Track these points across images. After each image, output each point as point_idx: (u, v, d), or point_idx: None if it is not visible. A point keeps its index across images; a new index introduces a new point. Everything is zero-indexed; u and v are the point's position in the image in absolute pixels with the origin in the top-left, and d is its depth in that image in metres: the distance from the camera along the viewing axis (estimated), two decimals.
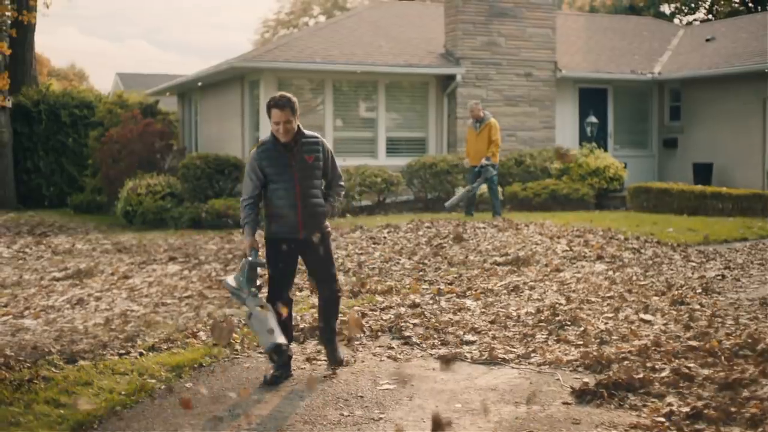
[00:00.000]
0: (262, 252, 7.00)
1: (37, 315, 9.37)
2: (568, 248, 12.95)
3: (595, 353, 7.27)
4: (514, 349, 7.65)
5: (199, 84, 24.41)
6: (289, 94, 6.85)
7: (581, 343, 7.77)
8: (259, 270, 6.76)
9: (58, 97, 27.28)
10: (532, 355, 7.49)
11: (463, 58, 21.74)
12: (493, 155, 16.91)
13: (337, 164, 7.22)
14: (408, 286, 10.56)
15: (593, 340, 7.84)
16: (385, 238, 14.58)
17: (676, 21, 40.28)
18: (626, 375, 6.53)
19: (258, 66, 20.35)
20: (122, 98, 25.27)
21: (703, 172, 21.89)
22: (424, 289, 10.39)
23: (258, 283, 6.69)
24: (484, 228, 14.99)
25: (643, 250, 12.92)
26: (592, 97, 23.59)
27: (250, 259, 6.69)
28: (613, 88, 23.89)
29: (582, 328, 8.20)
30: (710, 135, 22.59)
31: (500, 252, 12.75)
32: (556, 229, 14.56)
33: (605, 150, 22.53)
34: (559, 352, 7.52)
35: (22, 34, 25.91)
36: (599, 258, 12.27)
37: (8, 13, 22.53)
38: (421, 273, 11.42)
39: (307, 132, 6.98)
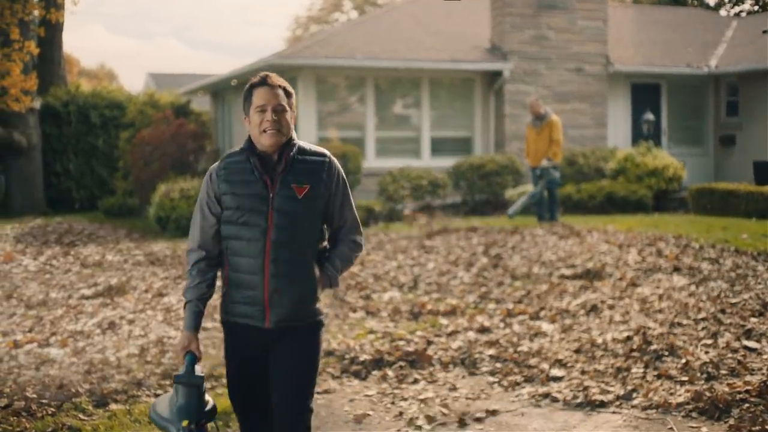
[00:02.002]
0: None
1: (65, 342, 8.43)
2: (640, 258, 11.86)
3: (707, 393, 6.24)
4: (611, 388, 6.61)
5: (233, 83, 23.48)
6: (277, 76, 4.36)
7: (686, 378, 6.72)
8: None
9: (88, 97, 26.44)
10: (634, 395, 6.46)
11: (511, 52, 20.65)
12: (555, 155, 15.79)
13: (353, 201, 4.40)
14: (473, 305, 9.55)
15: (699, 375, 6.79)
16: (437, 246, 13.57)
17: (722, 12, 38.94)
18: (756, 426, 5.50)
19: (296, 63, 19.37)
20: (153, 98, 24.38)
21: (764, 171, 20.67)
22: (491, 309, 9.37)
23: (208, 406, 4.06)
24: (543, 235, 13.94)
25: (721, 260, 11.81)
26: (644, 93, 22.41)
27: (177, 373, 4.09)
28: (666, 83, 22.69)
29: (683, 360, 7.14)
30: None
31: (566, 263, 11.71)
32: (622, 237, 13.48)
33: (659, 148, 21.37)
34: (664, 391, 6.48)
35: (51, 33, 25.08)
36: (676, 270, 11.17)
37: (36, 12, 21.78)
38: (483, 289, 10.38)
39: (307, 146, 4.30)
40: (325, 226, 4.31)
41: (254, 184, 4.17)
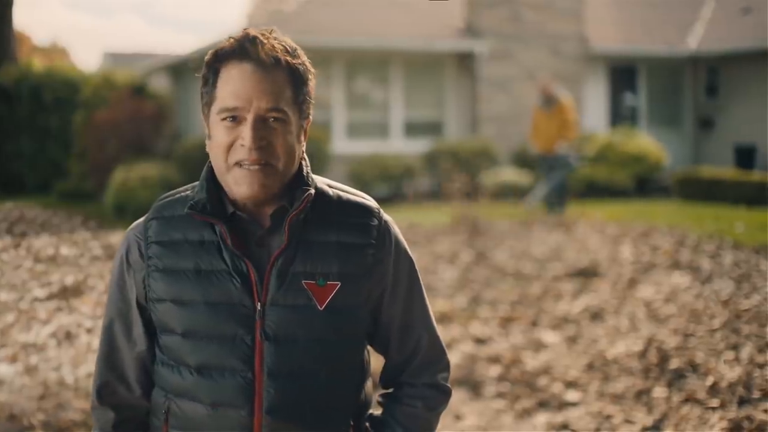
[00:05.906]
0: None
1: (15, 357, 7.54)
2: (635, 254, 11.17)
3: (746, 423, 5.52)
4: (635, 416, 5.86)
5: (190, 66, 22.46)
6: (279, 38, 2.02)
7: (717, 404, 5.98)
8: None
9: (41, 75, 25.29)
10: (663, 424, 5.71)
11: (485, 32, 19.83)
12: (571, 137, 14.76)
13: (427, 301, 2.24)
14: (465, 310, 8.78)
15: (730, 397, 6.07)
16: (415, 238, 12.79)
17: None
18: None
19: None
20: (110, 78, 23.30)
21: (745, 155, 20.12)
22: (485, 315, 8.60)
23: None
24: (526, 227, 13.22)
25: (721, 255, 11.14)
26: (622, 74, 21.72)
27: None
28: (645, 64, 21.98)
29: (708, 380, 6.41)
30: (752, 115, 20.72)
31: (557, 258, 11.00)
32: (613, 229, 12.78)
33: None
34: (697, 419, 5.74)
35: (0, 8, 23.92)
36: (675, 266, 10.49)
37: None
38: (472, 289, 9.62)
39: (332, 189, 2.15)
40: (369, 350, 2.21)
41: (221, 278, 2.00)
